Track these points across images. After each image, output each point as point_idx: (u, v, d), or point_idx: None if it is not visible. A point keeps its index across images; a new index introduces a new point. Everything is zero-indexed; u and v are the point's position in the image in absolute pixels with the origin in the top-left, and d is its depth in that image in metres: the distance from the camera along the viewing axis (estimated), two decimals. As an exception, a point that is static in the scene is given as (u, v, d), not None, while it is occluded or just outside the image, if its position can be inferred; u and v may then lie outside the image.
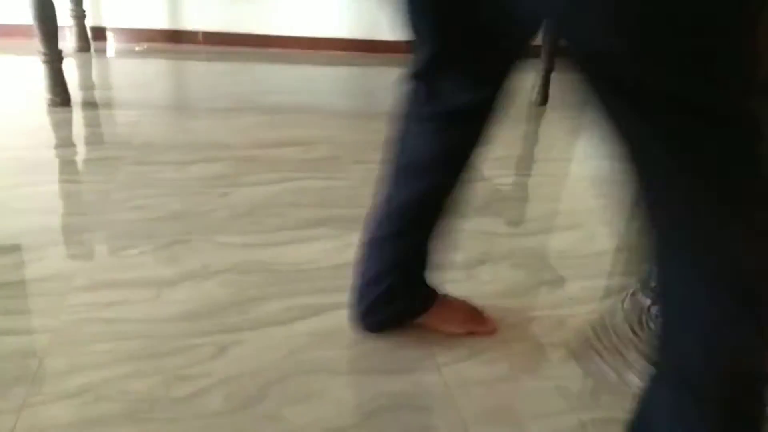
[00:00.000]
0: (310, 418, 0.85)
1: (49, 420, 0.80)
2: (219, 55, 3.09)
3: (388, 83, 2.94)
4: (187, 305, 1.06)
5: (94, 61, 2.79)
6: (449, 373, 0.96)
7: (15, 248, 1.19)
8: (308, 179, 1.65)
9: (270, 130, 2.03)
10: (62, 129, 1.91)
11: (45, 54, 1.94)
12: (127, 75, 2.68)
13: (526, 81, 3.13)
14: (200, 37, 3.22)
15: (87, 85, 2.42)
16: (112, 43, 3.12)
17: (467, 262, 1.29)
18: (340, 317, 1.06)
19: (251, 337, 0.99)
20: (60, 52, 1.97)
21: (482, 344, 1.02)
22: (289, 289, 1.14)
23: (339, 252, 1.28)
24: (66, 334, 0.97)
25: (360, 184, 1.64)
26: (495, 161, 1.92)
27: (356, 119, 2.25)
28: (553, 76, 2.55)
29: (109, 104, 2.17)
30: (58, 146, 1.78)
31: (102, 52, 2.95)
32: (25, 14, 2.86)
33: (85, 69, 2.64)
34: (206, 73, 2.81)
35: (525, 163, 2.01)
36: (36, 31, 1.91)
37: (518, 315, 1.12)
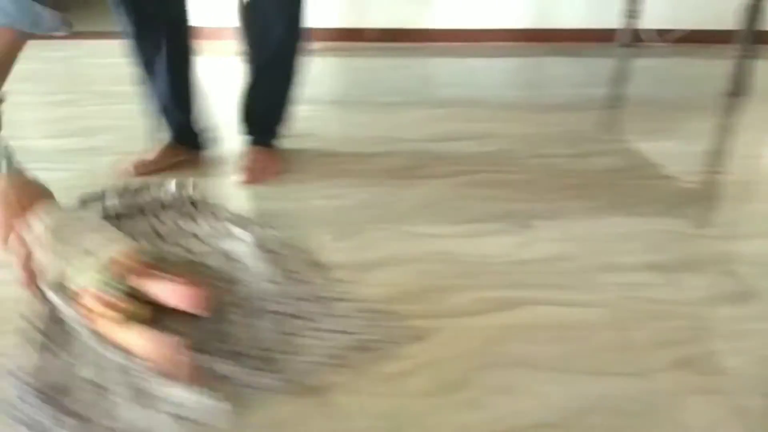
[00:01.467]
0: (512, 410, 0.85)
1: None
2: (388, 51, 3.19)
3: (558, 74, 2.85)
4: (382, 290, 1.11)
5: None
6: (662, 379, 0.90)
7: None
8: (485, 172, 1.64)
9: (443, 123, 2.06)
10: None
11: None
12: (305, 73, 2.86)
13: (715, 68, 2.87)
14: (370, 34, 3.35)
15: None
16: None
17: (664, 265, 1.21)
18: (535, 313, 1.05)
19: (448, 324, 1.01)
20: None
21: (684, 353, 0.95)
22: (479, 281, 1.14)
23: (524, 247, 1.27)
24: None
25: (539, 178, 1.61)
26: (683, 158, 1.77)
27: (528, 112, 2.20)
28: (754, 63, 2.29)
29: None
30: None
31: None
32: (224, 17, 3.16)
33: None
34: (377, 69, 2.92)
35: (717, 160, 1.84)
36: (233, 33, 2.11)
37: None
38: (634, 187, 1.55)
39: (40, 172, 1.58)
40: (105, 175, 1.58)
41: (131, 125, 2.01)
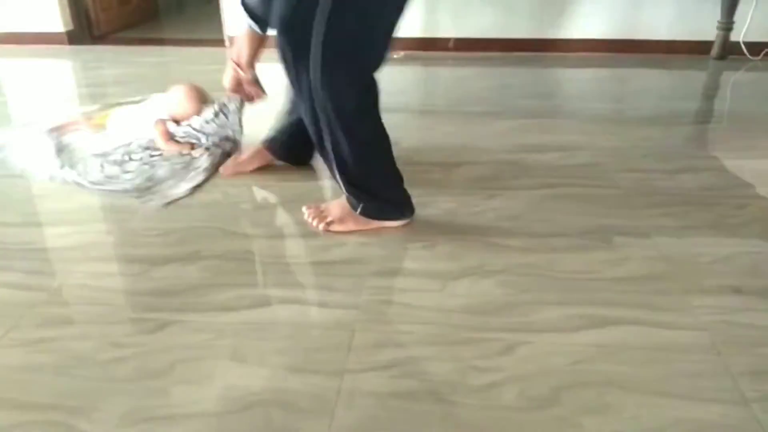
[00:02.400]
0: (605, 431, 0.84)
1: (367, 387, 0.91)
2: (469, 60, 3.20)
3: (647, 86, 2.76)
4: (469, 299, 1.12)
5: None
6: (760, 409, 0.87)
7: (318, 234, 1.37)
8: (572, 186, 1.62)
9: (527, 134, 2.04)
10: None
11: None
12: (387, 81, 2.91)
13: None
14: (451, 43, 3.37)
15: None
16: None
17: (760, 290, 1.15)
18: (626, 333, 1.03)
19: (536, 339, 1.01)
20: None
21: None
22: (568, 297, 1.13)
23: (616, 264, 1.24)
24: (371, 312, 1.09)
25: (627, 193, 1.57)
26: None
27: (615, 125, 2.15)
28: None
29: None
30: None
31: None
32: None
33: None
34: (458, 78, 2.93)
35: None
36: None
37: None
38: (727, 207, 1.49)
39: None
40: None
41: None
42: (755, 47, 3.12)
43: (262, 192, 1.62)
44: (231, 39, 3.51)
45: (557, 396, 0.89)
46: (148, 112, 1.83)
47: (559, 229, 1.39)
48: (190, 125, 1.75)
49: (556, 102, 2.47)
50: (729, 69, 3.01)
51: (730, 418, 0.86)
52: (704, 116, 2.36)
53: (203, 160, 1.71)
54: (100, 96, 2.57)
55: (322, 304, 1.13)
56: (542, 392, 0.90)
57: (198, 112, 1.75)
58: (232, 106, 1.69)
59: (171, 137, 1.76)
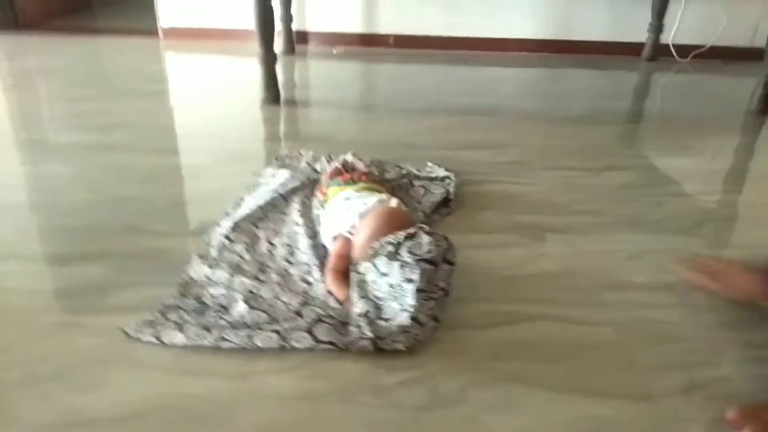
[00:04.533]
0: (509, 429, 0.83)
1: (271, 390, 0.88)
2: (409, 57, 3.19)
3: (580, 86, 2.82)
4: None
5: (297, 63, 3.04)
6: (665, 403, 0.88)
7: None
8: (498, 183, 1.62)
9: (459, 131, 2.05)
10: (274, 124, 2.11)
11: (262, 56, 2.14)
12: (326, 76, 2.87)
13: (740, 86, 2.81)
14: (391, 40, 3.35)
15: (291, 84, 2.63)
16: (312, 46, 3.36)
17: (675, 286, 1.18)
18: (539, 329, 1.03)
19: (449, 336, 1.00)
20: (275, 54, 2.16)
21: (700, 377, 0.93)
22: (485, 293, 1.13)
23: (532, 261, 1.25)
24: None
25: (550, 191, 1.58)
26: (702, 176, 1.74)
27: (546, 123, 2.18)
28: (780, 81, 2.25)
29: (311, 103, 2.35)
30: (268, 140, 1.96)
31: (303, 54, 3.20)
32: (241, 19, 3.19)
33: (289, 70, 2.88)
34: (397, 75, 2.92)
35: (736, 180, 1.80)
36: (256, 34, 2.11)
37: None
38: (646, 204, 1.52)
39: (56, 166, 1.63)
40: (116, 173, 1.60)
41: (144, 123, 2.03)
42: (684, 49, 3.23)
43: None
44: (165, 30, 3.40)
45: (465, 394, 0.88)
46: (349, 215, 1.19)
47: (480, 225, 1.39)
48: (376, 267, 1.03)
49: (490, 100, 2.49)
50: (659, 70, 3.11)
51: (632, 414, 0.86)
52: (633, 116, 2.42)
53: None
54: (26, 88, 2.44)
55: (232, 305, 1.09)
56: (450, 390, 0.89)
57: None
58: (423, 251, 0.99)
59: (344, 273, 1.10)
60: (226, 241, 1.24)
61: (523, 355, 0.97)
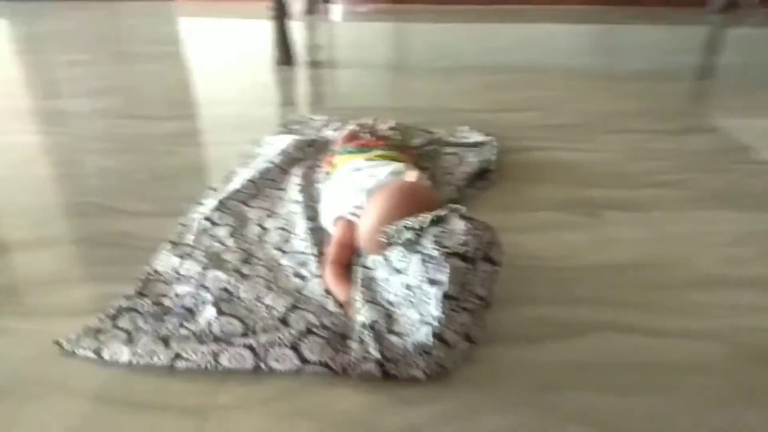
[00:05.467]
0: None
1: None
2: (445, 14, 2.87)
3: (641, 40, 2.45)
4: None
5: (322, 23, 2.76)
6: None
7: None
8: (549, 150, 1.33)
9: (501, 91, 1.74)
10: (286, 87, 1.85)
11: (273, 9, 1.88)
12: (352, 36, 2.59)
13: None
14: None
15: (313, 45, 2.37)
16: (339, 5, 3.08)
17: None
18: (609, 344, 0.75)
19: (484, 355, 0.73)
20: (285, 8, 1.89)
21: None
22: (533, 293, 0.85)
23: (595, 248, 0.96)
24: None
25: (616, 159, 1.28)
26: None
27: (606, 80, 1.85)
28: None
29: (334, 64, 2.07)
30: (276, 105, 1.70)
31: (328, 13, 2.92)
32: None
33: (311, 30, 2.61)
34: (431, 33, 2.61)
35: None
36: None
37: None
38: (742, 174, 1.20)
39: (29, 135, 1.42)
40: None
41: (143, 87, 1.81)
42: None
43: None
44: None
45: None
46: (354, 190, 0.92)
47: (526, 202, 1.10)
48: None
49: (539, 57, 2.16)
50: (729, 23, 2.70)
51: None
52: (705, 72, 2.06)
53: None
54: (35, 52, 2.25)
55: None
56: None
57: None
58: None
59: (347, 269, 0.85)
60: (207, 224, 0.99)
61: (588, 382, 0.69)
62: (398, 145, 1.13)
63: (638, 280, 0.87)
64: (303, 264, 0.89)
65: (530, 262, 0.92)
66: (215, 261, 0.89)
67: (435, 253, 0.69)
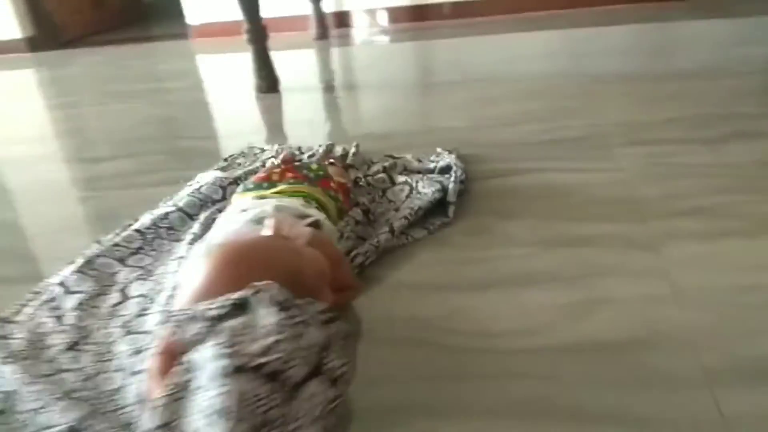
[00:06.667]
0: None
1: None
2: (468, 28, 2.59)
3: (689, 35, 2.08)
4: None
5: (333, 48, 2.56)
6: None
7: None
8: (546, 171, 1.02)
9: (502, 104, 1.44)
10: (257, 117, 1.63)
11: (248, 32, 1.68)
12: (359, 59, 2.37)
13: None
14: (446, 9, 2.78)
15: (324, 71, 2.16)
16: (352, 28, 2.88)
17: None
18: None
19: None
20: (263, 31, 1.69)
21: None
22: (471, 402, 0.55)
23: (580, 317, 0.65)
24: None
25: (633, 178, 0.96)
26: None
27: (630, 84, 1.51)
28: None
29: (319, 88, 1.85)
30: (239, 135, 1.48)
31: (344, 37, 2.72)
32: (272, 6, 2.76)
33: (322, 56, 2.41)
34: (443, 49, 2.34)
35: None
36: (238, 3, 1.65)
37: None
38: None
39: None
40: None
41: (106, 127, 1.64)
42: None
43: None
44: (194, 29, 3.06)
45: None
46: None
47: (501, 245, 0.80)
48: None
49: (561, 64, 1.85)
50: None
51: None
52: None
53: None
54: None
55: None
56: None
57: None
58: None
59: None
60: (58, 291, 0.76)
61: None
62: (321, 176, 0.86)
63: (640, 374, 0.56)
64: (138, 351, 0.63)
65: (473, 343, 0.62)
66: (30, 349, 0.65)
67: (218, 364, 0.41)
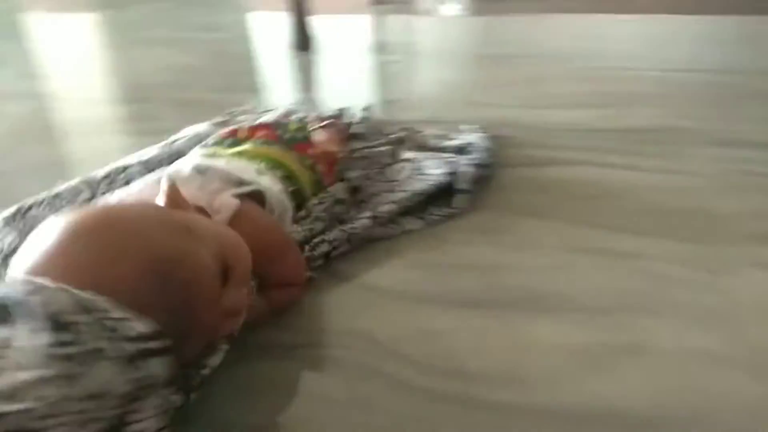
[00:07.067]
0: None
1: None
2: (547, 3, 2.34)
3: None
4: None
5: (393, 17, 2.37)
6: None
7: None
8: (594, 165, 0.82)
9: (561, 83, 1.23)
10: (287, 76, 1.47)
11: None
12: (419, 30, 2.18)
13: None
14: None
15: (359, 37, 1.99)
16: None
17: None
18: None
19: None
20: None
21: None
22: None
23: (608, 367, 0.46)
24: None
25: (704, 187, 0.74)
26: None
27: (725, 75, 1.26)
28: None
29: (358, 53, 1.68)
30: (257, 91, 1.33)
31: (405, 3, 2.52)
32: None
33: (377, 22, 2.23)
34: (518, 25, 2.11)
35: None
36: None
37: None
38: None
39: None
40: None
41: (127, 71, 1.53)
42: None
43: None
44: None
45: None
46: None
47: (516, 253, 0.62)
48: None
49: (642, 48, 1.59)
50: None
51: None
52: None
53: None
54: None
55: None
56: None
57: None
58: None
59: None
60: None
61: None
62: (297, 139, 0.69)
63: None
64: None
65: (439, 384, 0.45)
66: None
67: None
